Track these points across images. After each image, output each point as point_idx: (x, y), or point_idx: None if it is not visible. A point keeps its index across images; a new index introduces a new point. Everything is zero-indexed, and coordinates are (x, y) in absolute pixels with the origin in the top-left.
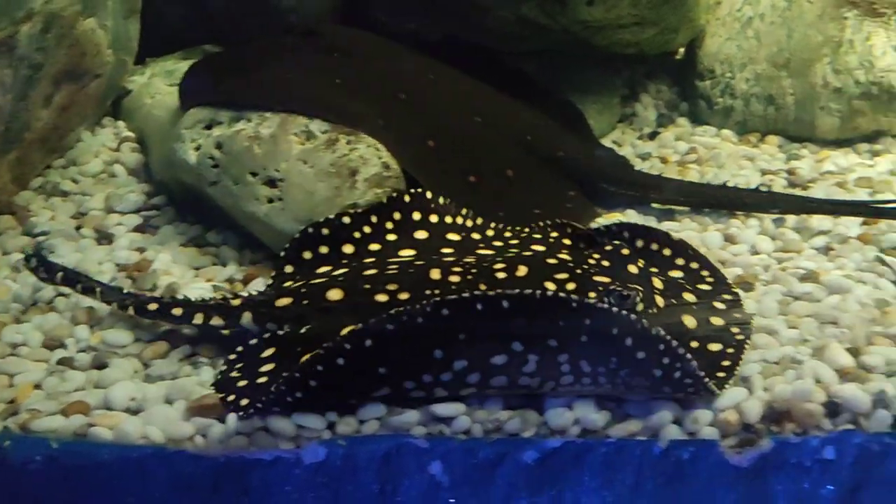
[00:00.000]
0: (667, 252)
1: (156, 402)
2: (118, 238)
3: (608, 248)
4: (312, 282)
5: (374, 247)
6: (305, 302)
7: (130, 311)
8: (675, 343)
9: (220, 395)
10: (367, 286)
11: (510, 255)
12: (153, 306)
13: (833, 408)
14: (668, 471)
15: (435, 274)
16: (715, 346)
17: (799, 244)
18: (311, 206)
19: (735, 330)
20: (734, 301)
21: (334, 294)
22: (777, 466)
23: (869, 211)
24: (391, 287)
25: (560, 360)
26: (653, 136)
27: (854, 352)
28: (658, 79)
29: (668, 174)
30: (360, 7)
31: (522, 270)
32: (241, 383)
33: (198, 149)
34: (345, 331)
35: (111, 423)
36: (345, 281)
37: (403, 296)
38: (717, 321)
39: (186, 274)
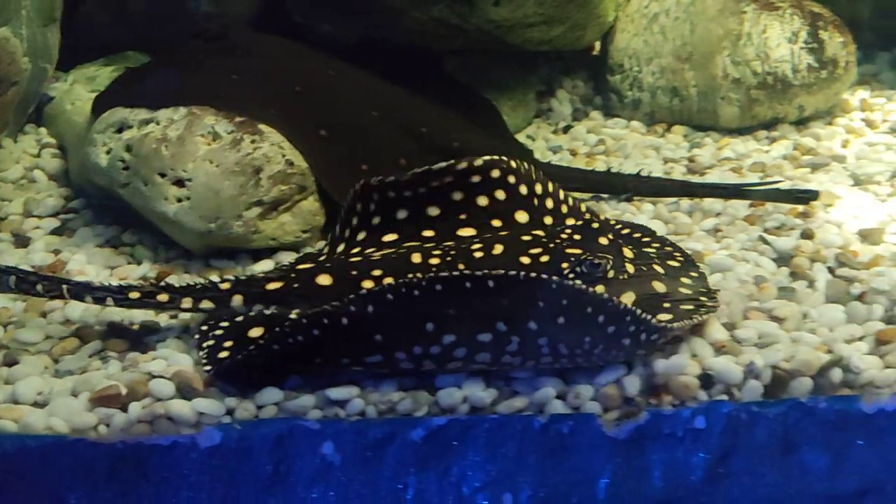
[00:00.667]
0: (639, 235)
1: (62, 396)
2: (35, 241)
3: (579, 222)
4: (300, 267)
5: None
6: (296, 286)
7: (109, 302)
8: (615, 300)
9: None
10: (354, 272)
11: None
12: (135, 295)
13: (707, 380)
14: (549, 444)
15: (416, 258)
16: (687, 306)
17: (690, 227)
18: (218, 205)
19: (703, 298)
20: (700, 276)
21: (324, 279)
22: (652, 437)
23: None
24: (376, 273)
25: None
26: (566, 129)
27: (730, 326)
28: (574, 74)
29: (576, 165)
30: (279, 11)
31: (498, 248)
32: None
33: (109, 152)
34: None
35: (15, 415)
36: (332, 267)
37: (388, 280)
38: (685, 290)
39: (101, 273)
